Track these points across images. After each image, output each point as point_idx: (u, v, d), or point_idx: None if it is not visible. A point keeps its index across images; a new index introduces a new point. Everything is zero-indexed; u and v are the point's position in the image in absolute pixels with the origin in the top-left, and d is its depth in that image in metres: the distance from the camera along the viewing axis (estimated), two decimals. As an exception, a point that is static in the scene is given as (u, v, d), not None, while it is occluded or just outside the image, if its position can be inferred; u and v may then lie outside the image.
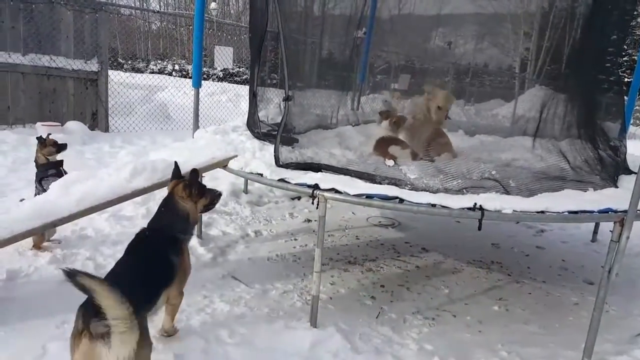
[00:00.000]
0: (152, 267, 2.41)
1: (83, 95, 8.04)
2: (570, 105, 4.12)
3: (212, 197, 2.78)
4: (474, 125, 5.72)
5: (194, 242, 4.01)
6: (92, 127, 8.02)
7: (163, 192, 4.55)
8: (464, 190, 2.88)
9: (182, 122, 8.98)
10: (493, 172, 3.04)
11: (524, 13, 6.59)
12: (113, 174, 3.18)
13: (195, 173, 2.68)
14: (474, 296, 3.68)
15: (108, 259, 3.53)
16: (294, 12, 4.46)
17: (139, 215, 4.37)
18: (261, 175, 3.04)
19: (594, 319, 2.65)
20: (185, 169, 2.76)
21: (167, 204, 2.65)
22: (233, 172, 3.24)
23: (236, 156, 3.32)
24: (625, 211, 2.54)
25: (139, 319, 1.87)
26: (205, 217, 4.63)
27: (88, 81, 8.07)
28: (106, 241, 3.86)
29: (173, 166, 2.71)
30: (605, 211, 2.60)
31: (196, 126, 4.20)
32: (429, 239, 4.84)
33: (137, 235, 2.55)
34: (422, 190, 2.84)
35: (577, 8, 5.16)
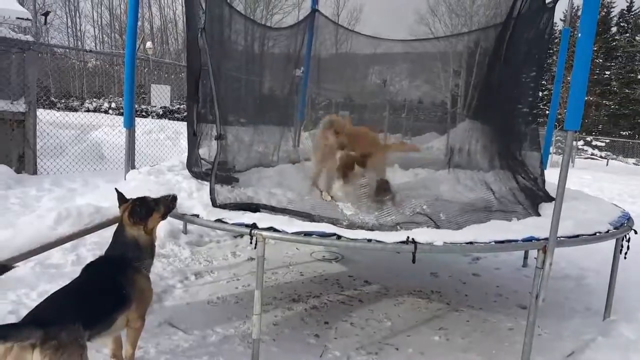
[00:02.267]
0: (99, 292, 2.44)
1: (8, 137, 7.60)
2: (496, 138, 4.39)
3: (165, 206, 2.82)
4: (409, 158, 5.93)
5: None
6: (18, 170, 7.55)
7: (93, 238, 4.39)
8: (398, 226, 2.97)
9: (117, 162, 8.64)
10: (424, 207, 3.16)
11: (452, 52, 6.98)
12: (35, 221, 3.00)
13: (140, 200, 2.73)
14: (415, 327, 3.72)
15: (34, 312, 3.25)
16: (226, 49, 4.50)
17: (68, 262, 4.11)
18: (197, 216, 2.98)
19: (526, 344, 2.76)
20: (114, 213, 2.67)
21: (118, 232, 2.71)
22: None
23: (170, 197, 3.23)
24: (547, 239, 2.70)
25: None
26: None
27: (14, 122, 7.63)
28: (31, 292, 3.55)
29: (99, 212, 2.64)
30: (529, 239, 2.75)
31: (128, 167, 4.08)
32: (372, 271, 4.89)
33: (91, 262, 2.64)
34: (358, 227, 2.90)
35: (499, 47, 5.54)
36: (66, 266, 4.06)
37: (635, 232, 3.76)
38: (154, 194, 2.93)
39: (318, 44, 6.44)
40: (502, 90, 4.87)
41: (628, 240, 3.74)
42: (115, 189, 2.82)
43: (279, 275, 4.65)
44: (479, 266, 5.35)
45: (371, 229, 2.87)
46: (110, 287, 2.51)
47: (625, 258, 3.77)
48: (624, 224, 3.60)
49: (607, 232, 3.31)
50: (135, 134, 4.41)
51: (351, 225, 2.93)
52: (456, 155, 4.81)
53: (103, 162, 9.04)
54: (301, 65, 6.37)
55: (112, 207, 3.12)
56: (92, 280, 2.50)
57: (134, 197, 2.80)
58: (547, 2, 4.35)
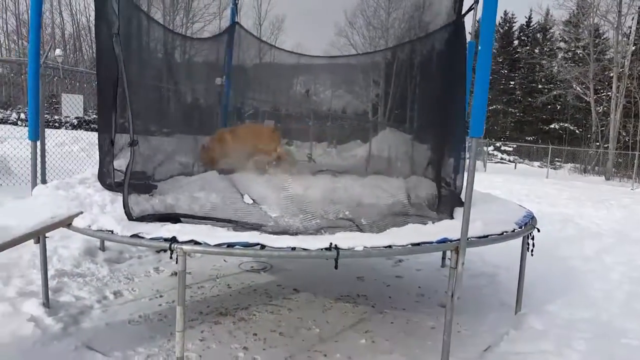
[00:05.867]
0: None
1: None
2: (414, 145, 4.59)
3: None
4: (337, 165, 6.05)
5: (39, 312, 3.56)
6: None
7: (0, 259, 4.06)
8: (322, 230, 3.02)
9: (27, 177, 7.96)
10: (346, 212, 3.24)
11: (371, 63, 7.23)
12: None
13: None
14: (342, 332, 3.79)
15: None
16: (141, 56, 4.35)
17: (-29, 287, 3.79)
18: (111, 232, 2.83)
19: (444, 343, 2.91)
20: (19, 232, 2.46)
21: None
22: (78, 232, 2.96)
23: (82, 213, 3.06)
24: (459, 240, 2.87)
25: None
26: (54, 281, 4.14)
27: None
28: None
29: (4, 230, 2.38)
30: (442, 241, 2.91)
31: (35, 182, 3.80)
32: (301, 278, 4.92)
33: None
34: (283, 231, 2.91)
35: (415, 59, 5.79)
36: (-32, 291, 3.74)
37: (538, 230, 4.09)
38: (64, 209, 2.76)
39: (241, 53, 6.44)
40: (420, 99, 5.11)
41: (532, 238, 4.06)
42: None
43: (205, 289, 4.54)
44: (402, 268, 5.55)
45: (295, 233, 2.89)
46: None
47: (532, 255, 4.08)
48: (528, 222, 3.90)
49: (513, 231, 3.57)
50: (47, 147, 4.13)
51: (276, 228, 2.94)
52: (377, 163, 4.98)
53: (10, 177, 8.32)
54: (223, 73, 6.32)
55: (19, 225, 2.90)
56: None
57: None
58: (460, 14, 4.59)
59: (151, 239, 2.72)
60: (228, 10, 6.54)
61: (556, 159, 29.81)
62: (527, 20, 41.00)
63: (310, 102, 7.87)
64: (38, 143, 3.78)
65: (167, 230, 2.78)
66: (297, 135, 7.37)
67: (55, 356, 3.10)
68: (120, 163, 4.01)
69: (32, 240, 3.15)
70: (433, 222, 3.28)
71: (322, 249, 2.67)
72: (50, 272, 4.16)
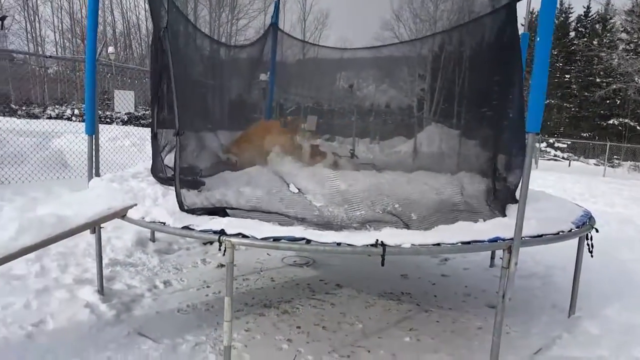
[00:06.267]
0: None
1: (-35, 145, 7.29)
2: (463, 140, 4.45)
3: None
4: (380, 161, 5.99)
5: (94, 299, 3.73)
6: (-24, 180, 7.24)
7: (58, 248, 4.27)
8: (368, 224, 2.98)
9: (81, 170, 8.34)
10: (396, 206, 3.18)
11: (417, 56, 7.07)
12: (-5, 233, 2.88)
13: None
14: (386, 329, 3.75)
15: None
16: (188, 53, 4.45)
17: (31, 273, 4.01)
18: (163, 224, 2.92)
19: (494, 344, 2.81)
20: (77, 222, 2.56)
21: None
22: (133, 223, 3.08)
23: (135, 205, 3.17)
24: (512, 239, 2.76)
25: None
26: (107, 270, 4.33)
27: (-29, 130, 7.34)
28: (-9, 306, 3.42)
29: (62, 221, 2.50)
30: (495, 240, 2.80)
31: (91, 175, 3.98)
32: (343, 274, 4.90)
33: None
34: (328, 222, 2.90)
35: (464, 52, 5.61)
36: (30, 277, 3.96)
37: (597, 231, 3.87)
38: (119, 201, 2.86)
39: (284, 50, 6.50)
40: (467, 93, 4.95)
41: (590, 239, 3.85)
42: None
43: (250, 281, 4.61)
44: (448, 267, 5.43)
45: (340, 225, 2.87)
46: None
47: (592, 256, 3.86)
48: (585, 222, 3.69)
49: (570, 231, 3.37)
50: (100, 141, 4.31)
51: (320, 220, 2.93)
52: (423, 159, 4.87)
53: (66, 170, 8.76)
54: (267, 70, 6.40)
55: (77, 215, 3.05)
56: None
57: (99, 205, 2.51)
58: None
59: (201, 231, 2.79)
60: (272, 6, 6.61)
61: (614, 156, 28.13)
62: (585, 10, 38.97)
63: (354, 97, 7.81)
64: (93, 137, 3.94)
65: (216, 223, 2.84)
66: (339, 130, 7.35)
67: (109, 341, 3.24)
68: (171, 158, 4.13)
69: (88, 230, 3.31)
70: (484, 220, 3.16)
71: (367, 245, 2.64)
72: (104, 261, 4.35)
